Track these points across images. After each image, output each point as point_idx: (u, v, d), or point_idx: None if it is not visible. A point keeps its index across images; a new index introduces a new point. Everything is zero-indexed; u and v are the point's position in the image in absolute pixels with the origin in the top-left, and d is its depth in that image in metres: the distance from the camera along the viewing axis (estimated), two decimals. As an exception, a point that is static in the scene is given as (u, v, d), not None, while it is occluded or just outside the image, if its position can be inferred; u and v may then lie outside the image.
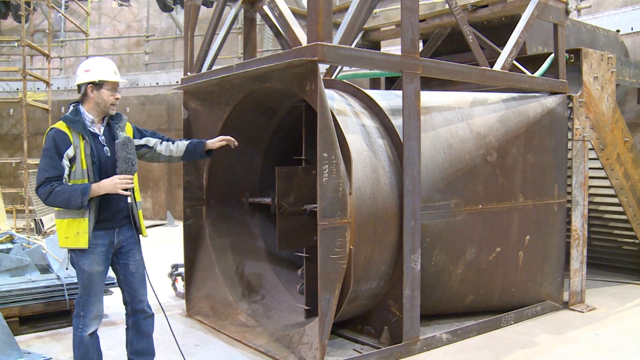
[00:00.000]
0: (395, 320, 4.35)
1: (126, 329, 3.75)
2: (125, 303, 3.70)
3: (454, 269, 4.74)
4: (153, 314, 3.73)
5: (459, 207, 4.67)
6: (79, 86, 3.47)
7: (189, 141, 4.04)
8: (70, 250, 3.43)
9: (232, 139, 4.18)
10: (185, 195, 5.35)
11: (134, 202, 3.51)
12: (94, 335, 3.51)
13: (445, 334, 4.63)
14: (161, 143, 3.91)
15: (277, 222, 4.58)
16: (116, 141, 3.45)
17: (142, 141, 3.81)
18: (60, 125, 3.38)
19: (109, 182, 3.33)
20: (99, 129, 3.49)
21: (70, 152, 3.32)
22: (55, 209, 3.39)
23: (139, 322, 3.68)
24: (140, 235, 3.64)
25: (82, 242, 3.34)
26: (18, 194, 12.52)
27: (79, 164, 3.35)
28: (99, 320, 3.50)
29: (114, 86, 3.49)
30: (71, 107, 3.48)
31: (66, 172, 3.32)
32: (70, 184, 3.32)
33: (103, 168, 3.42)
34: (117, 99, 3.50)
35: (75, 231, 3.34)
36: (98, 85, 3.43)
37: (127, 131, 3.64)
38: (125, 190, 3.37)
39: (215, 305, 5.21)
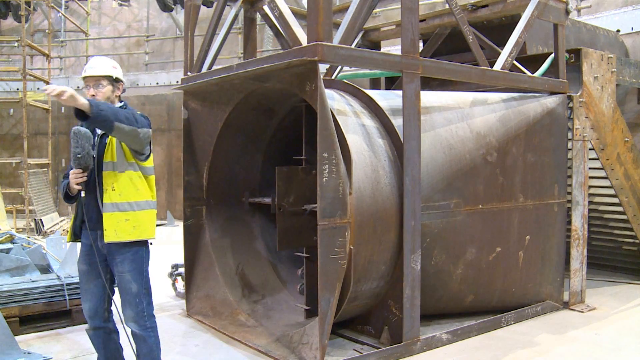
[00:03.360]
0: (396, 320, 4.35)
1: None
2: None
3: (454, 269, 4.74)
4: (117, 332, 3.57)
5: (459, 207, 4.67)
6: None
7: None
8: None
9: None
10: (185, 195, 5.35)
11: (89, 200, 3.32)
12: (98, 333, 3.48)
13: (445, 334, 4.63)
14: None
15: (277, 222, 4.58)
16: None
17: None
18: None
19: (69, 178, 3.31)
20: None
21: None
22: None
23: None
24: (144, 241, 3.40)
25: (68, 237, 3.53)
26: (18, 194, 12.52)
27: None
28: (88, 319, 3.45)
29: (87, 82, 3.39)
30: None
31: None
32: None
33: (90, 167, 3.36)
34: (92, 95, 3.35)
35: None
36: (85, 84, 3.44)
37: None
38: (80, 185, 3.26)
39: (215, 305, 5.21)
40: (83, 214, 3.36)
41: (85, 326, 3.52)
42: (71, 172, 3.28)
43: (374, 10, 6.22)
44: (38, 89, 14.28)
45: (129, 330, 3.42)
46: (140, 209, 3.36)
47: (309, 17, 3.83)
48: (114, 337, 3.58)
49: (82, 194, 3.30)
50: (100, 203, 3.30)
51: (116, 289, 3.49)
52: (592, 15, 8.49)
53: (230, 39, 10.72)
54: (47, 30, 13.71)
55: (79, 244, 3.53)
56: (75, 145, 3.24)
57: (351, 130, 4.19)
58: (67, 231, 3.70)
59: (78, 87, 14.73)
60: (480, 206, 4.80)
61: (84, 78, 3.41)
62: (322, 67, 3.81)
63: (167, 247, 8.51)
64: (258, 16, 5.77)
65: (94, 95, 3.36)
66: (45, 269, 5.47)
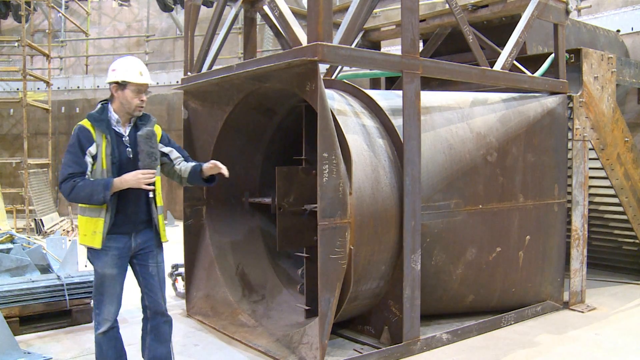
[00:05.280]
0: (396, 320, 4.35)
1: (142, 335, 3.66)
2: (144, 307, 3.61)
3: (454, 269, 4.74)
4: (171, 319, 3.64)
5: (459, 207, 4.67)
6: (109, 84, 3.44)
7: (195, 163, 3.73)
8: (88, 249, 3.42)
9: (224, 168, 3.63)
10: (185, 195, 5.34)
11: (141, 200, 3.42)
12: (109, 334, 3.45)
13: (446, 334, 4.62)
14: (182, 160, 3.70)
15: (277, 222, 4.58)
16: (139, 134, 3.35)
17: (166, 149, 3.62)
18: (85, 123, 3.36)
19: (132, 177, 3.27)
20: (124, 130, 3.43)
21: (92, 149, 3.30)
22: (79, 205, 3.36)
23: (159, 326, 3.57)
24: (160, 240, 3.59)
25: (97, 242, 3.32)
26: (18, 194, 12.52)
27: (100, 163, 3.32)
28: (109, 322, 3.43)
29: (139, 88, 3.38)
30: (99, 105, 3.46)
31: (89, 169, 3.30)
32: (92, 179, 3.29)
33: (123, 169, 3.35)
34: (142, 100, 3.40)
35: (92, 230, 3.32)
36: (122, 85, 3.36)
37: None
38: (148, 185, 3.31)
39: (215, 305, 5.21)
40: (113, 216, 3.33)
41: (101, 329, 3.42)
42: (142, 172, 3.29)
43: (374, 10, 6.22)
44: (38, 89, 14.29)
45: (159, 319, 3.57)
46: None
47: (309, 17, 3.83)
48: (120, 334, 3.58)
49: (151, 194, 3.41)
50: (154, 204, 3.47)
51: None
52: (592, 15, 8.49)
53: (230, 39, 10.72)
54: (47, 30, 13.71)
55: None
56: (151, 146, 3.33)
57: (351, 130, 4.19)
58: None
59: (78, 86, 14.75)
60: (481, 206, 4.80)
61: (142, 84, 3.40)
62: (322, 67, 3.81)
63: (167, 247, 8.50)
64: (258, 16, 5.77)
65: (143, 100, 3.42)
66: (45, 269, 5.47)
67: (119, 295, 3.47)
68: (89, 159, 3.29)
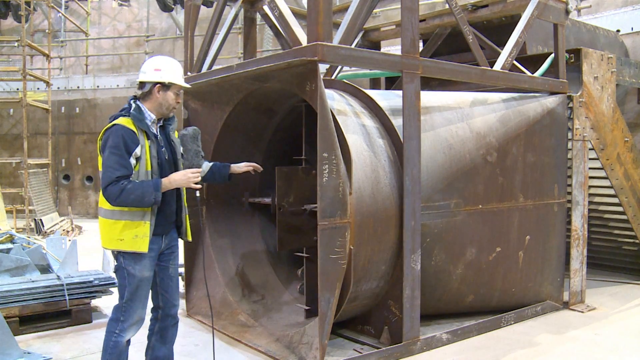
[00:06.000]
0: (395, 320, 4.35)
1: (149, 335, 3.62)
2: (156, 307, 3.56)
3: (454, 269, 4.74)
4: (179, 321, 3.65)
5: (459, 207, 4.67)
6: (144, 83, 3.30)
7: (212, 163, 3.86)
8: (120, 254, 3.26)
9: (259, 166, 4.08)
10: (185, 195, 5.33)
11: (175, 200, 3.43)
12: (129, 341, 3.41)
13: (445, 334, 4.63)
14: None
15: (277, 222, 4.58)
16: (184, 133, 3.34)
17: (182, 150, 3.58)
18: (127, 123, 3.21)
19: (182, 176, 3.23)
20: (156, 130, 3.38)
21: (138, 151, 3.18)
22: (108, 208, 3.20)
23: (167, 328, 3.56)
24: (181, 240, 3.61)
25: (142, 246, 3.20)
26: (18, 194, 12.51)
27: (144, 164, 3.21)
28: (138, 326, 3.38)
29: (180, 90, 3.41)
30: (133, 104, 3.30)
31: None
32: (137, 181, 3.16)
33: (164, 170, 3.31)
34: (178, 102, 3.42)
35: (133, 234, 3.18)
36: (166, 86, 3.31)
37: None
38: (196, 184, 3.29)
39: (215, 305, 5.21)
40: (158, 217, 3.29)
41: (127, 336, 3.34)
42: (191, 170, 3.26)
43: (374, 10, 6.22)
44: (38, 89, 14.29)
45: (169, 321, 3.57)
46: None
47: (309, 17, 3.83)
48: None
49: (197, 193, 3.42)
50: (184, 204, 3.52)
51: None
52: (592, 15, 8.49)
53: (230, 39, 10.72)
54: (47, 30, 13.72)
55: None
56: (197, 145, 3.36)
57: (351, 130, 4.19)
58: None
59: (78, 86, 14.75)
60: (480, 206, 4.80)
61: (184, 87, 3.45)
62: (322, 67, 3.81)
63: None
64: (258, 16, 5.77)
65: (179, 102, 3.45)
66: (45, 269, 5.47)
67: (148, 297, 3.43)
68: (133, 161, 3.16)
